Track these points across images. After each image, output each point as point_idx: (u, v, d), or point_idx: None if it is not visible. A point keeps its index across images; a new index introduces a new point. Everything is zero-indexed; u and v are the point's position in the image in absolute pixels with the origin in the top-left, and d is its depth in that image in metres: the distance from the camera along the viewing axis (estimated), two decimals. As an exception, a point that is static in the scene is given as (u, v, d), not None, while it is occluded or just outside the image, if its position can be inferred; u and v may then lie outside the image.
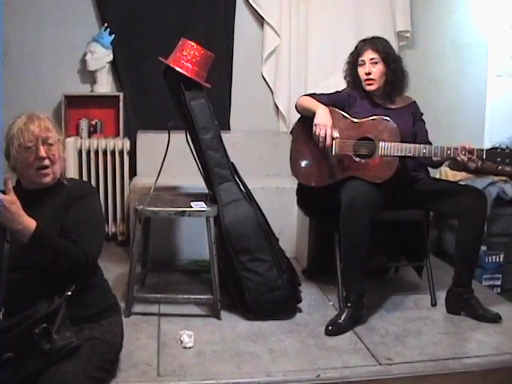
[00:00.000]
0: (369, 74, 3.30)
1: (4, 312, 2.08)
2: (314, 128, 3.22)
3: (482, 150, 3.06)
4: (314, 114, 3.26)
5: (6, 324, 2.03)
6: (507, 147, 3.03)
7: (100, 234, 2.44)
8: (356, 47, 3.39)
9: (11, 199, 2.05)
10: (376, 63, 3.29)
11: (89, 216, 2.33)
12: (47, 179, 2.28)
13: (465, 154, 3.05)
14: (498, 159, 3.04)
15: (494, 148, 3.06)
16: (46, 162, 2.25)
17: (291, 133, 3.61)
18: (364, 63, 3.31)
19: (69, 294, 2.17)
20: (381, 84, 3.33)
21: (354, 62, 3.37)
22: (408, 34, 4.90)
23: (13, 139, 2.23)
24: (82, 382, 2.06)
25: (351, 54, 3.40)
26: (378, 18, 4.80)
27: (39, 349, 2.00)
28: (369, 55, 3.30)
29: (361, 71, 3.33)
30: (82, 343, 2.13)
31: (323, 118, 3.22)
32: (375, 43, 3.33)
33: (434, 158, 3.23)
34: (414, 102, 3.46)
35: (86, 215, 2.30)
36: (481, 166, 3.52)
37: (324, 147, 3.20)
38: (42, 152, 2.23)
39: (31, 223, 2.09)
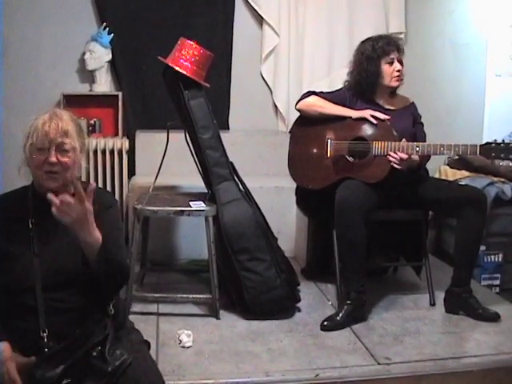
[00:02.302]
0: (399, 71, 3.31)
1: (47, 334, 1.98)
2: (362, 115, 3.25)
3: (476, 145, 3.06)
4: (334, 115, 3.31)
5: (58, 348, 1.97)
6: (503, 141, 3.03)
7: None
8: (377, 44, 3.32)
9: (89, 208, 1.94)
10: (400, 62, 3.32)
11: (119, 227, 2.30)
12: (54, 184, 2.10)
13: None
14: (493, 154, 3.03)
15: (488, 143, 3.05)
16: (56, 168, 2.08)
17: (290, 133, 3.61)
18: (393, 61, 3.31)
19: (112, 312, 2.13)
20: None
21: (377, 58, 3.31)
22: (402, 36, 4.89)
23: (28, 137, 2.08)
24: (156, 373, 2.07)
25: (374, 49, 3.32)
26: (371, 20, 4.80)
27: (98, 372, 1.95)
28: (396, 55, 3.32)
29: (389, 68, 3.31)
30: (132, 355, 2.05)
31: (358, 112, 3.27)
32: (400, 43, 3.37)
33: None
34: (413, 103, 3.47)
35: (117, 227, 2.26)
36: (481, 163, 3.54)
37: (387, 119, 3.23)
38: (53, 158, 2.06)
39: (99, 235, 2.00)
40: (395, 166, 3.14)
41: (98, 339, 2.00)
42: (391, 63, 3.31)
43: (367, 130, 3.24)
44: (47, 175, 2.09)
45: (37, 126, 2.08)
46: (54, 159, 2.07)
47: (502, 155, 3.01)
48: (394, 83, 3.34)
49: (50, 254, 2.07)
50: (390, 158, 3.14)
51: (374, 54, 3.32)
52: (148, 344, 2.29)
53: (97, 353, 1.98)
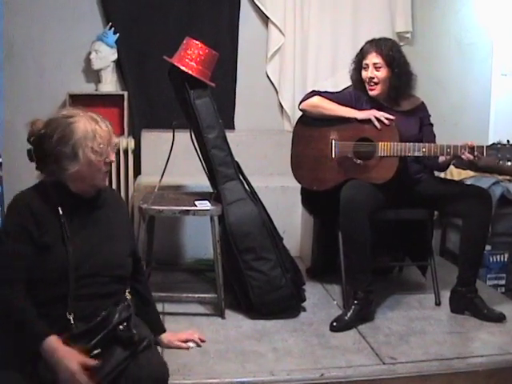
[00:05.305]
0: (371, 78, 3.25)
1: (74, 316, 2.08)
2: (367, 116, 3.21)
3: (483, 146, 3.05)
4: (338, 116, 3.27)
5: (89, 327, 2.08)
6: (508, 142, 3.02)
7: None
8: (361, 49, 3.33)
9: None
10: (379, 68, 3.24)
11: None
12: (105, 182, 2.27)
13: (470, 153, 3.05)
14: (499, 155, 3.02)
15: (494, 144, 3.05)
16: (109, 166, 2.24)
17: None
18: (367, 67, 3.27)
19: (129, 296, 2.28)
20: (384, 89, 3.28)
21: (358, 63, 3.33)
22: (408, 35, 4.89)
23: (85, 141, 2.11)
24: (164, 364, 2.21)
25: (357, 55, 3.35)
26: (376, 19, 4.79)
27: (126, 340, 2.09)
28: (372, 59, 3.24)
29: (364, 75, 3.29)
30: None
31: (363, 113, 3.23)
32: (380, 46, 3.25)
33: (441, 159, 3.23)
34: (422, 102, 3.41)
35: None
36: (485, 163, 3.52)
37: (388, 123, 3.19)
38: (113, 156, 2.20)
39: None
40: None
41: (126, 315, 2.13)
42: (366, 69, 3.28)
43: (372, 131, 3.21)
44: (104, 175, 2.22)
45: (93, 128, 2.13)
46: (113, 158, 2.22)
47: (508, 156, 3.00)
48: (369, 92, 3.30)
49: (81, 243, 2.14)
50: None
51: (356, 58, 3.34)
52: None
53: (123, 327, 2.11)
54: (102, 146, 2.14)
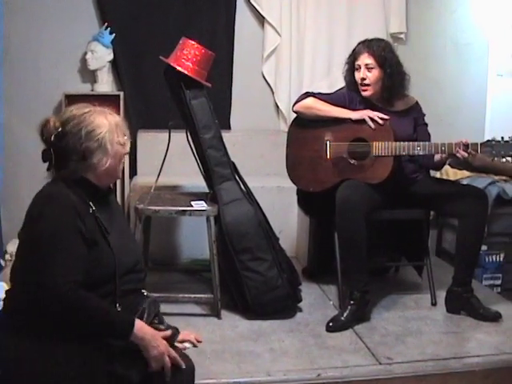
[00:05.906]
0: (363, 79, 3.25)
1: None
2: (361, 116, 3.20)
3: (477, 143, 3.06)
4: (332, 117, 3.26)
5: None
6: (502, 138, 3.03)
7: None
8: (354, 50, 3.33)
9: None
10: (371, 68, 3.23)
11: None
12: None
13: (464, 150, 3.05)
14: (494, 151, 3.03)
15: (488, 141, 3.06)
16: None
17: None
18: (359, 68, 3.26)
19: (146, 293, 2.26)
20: (377, 89, 3.27)
21: (351, 64, 3.33)
22: (402, 36, 4.90)
23: (113, 134, 2.09)
24: (187, 355, 2.22)
25: (349, 56, 3.35)
26: (371, 20, 4.80)
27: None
28: (364, 60, 3.24)
29: (356, 76, 3.28)
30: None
31: (357, 113, 3.22)
32: (372, 47, 3.24)
33: (436, 158, 3.23)
34: (417, 102, 3.41)
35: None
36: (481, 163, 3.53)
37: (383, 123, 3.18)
38: (128, 147, 2.21)
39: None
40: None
41: (155, 310, 2.17)
42: (358, 70, 3.27)
43: (367, 131, 3.21)
44: (121, 166, 2.20)
45: (116, 122, 2.14)
46: (128, 149, 2.21)
47: (502, 152, 3.01)
48: (362, 93, 3.29)
49: (116, 239, 2.10)
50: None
51: (348, 59, 3.32)
52: None
53: (156, 320, 2.17)
54: (125, 137, 2.15)
